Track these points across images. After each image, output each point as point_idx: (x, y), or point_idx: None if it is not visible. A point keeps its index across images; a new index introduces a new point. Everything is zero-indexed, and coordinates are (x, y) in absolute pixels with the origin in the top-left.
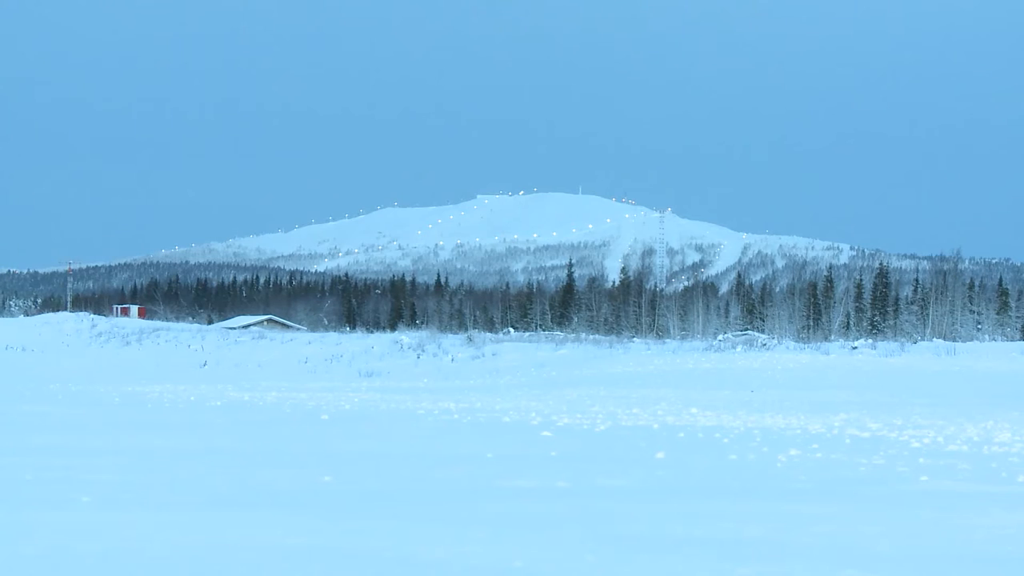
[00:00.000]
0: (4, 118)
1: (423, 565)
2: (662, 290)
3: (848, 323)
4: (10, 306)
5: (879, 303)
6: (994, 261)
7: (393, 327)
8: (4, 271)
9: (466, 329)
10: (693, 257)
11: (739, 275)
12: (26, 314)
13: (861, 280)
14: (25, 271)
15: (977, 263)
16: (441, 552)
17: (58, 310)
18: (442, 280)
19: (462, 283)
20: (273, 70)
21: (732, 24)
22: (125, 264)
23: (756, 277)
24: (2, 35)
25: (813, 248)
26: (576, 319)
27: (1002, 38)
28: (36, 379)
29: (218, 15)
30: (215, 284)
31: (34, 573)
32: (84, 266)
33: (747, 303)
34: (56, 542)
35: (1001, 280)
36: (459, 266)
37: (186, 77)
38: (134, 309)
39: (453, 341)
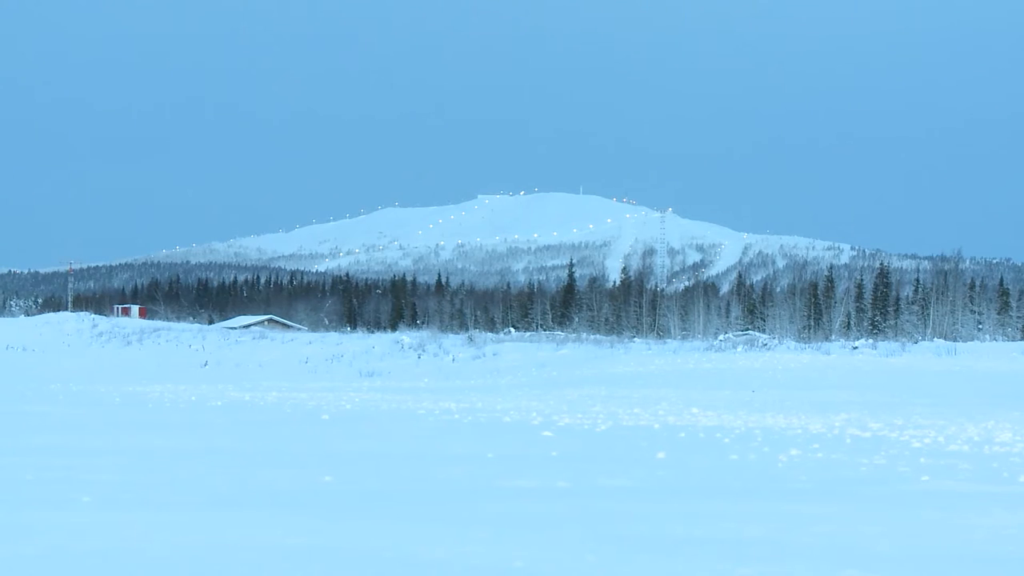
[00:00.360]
0: (5, 118)
1: (424, 565)
2: (663, 290)
3: (849, 323)
4: (11, 306)
5: (880, 303)
6: (995, 261)
7: (394, 327)
8: (5, 271)
9: (467, 329)
10: (694, 257)
11: (740, 275)
12: (27, 314)
13: (862, 280)
14: (26, 271)
15: (978, 263)
16: (442, 552)
17: (59, 310)
18: (443, 280)
19: (463, 283)
20: (274, 70)
21: (732, 24)
22: (126, 264)
23: (757, 277)
24: (2, 35)
25: (814, 248)
26: (577, 319)
27: (1002, 38)
28: (37, 379)
29: (218, 15)
30: (216, 284)
31: (35, 573)
32: (85, 266)
33: (748, 303)
34: (56, 542)
35: (1002, 280)
36: (460, 266)
37: (186, 77)
38: (135, 309)
39: (454, 341)
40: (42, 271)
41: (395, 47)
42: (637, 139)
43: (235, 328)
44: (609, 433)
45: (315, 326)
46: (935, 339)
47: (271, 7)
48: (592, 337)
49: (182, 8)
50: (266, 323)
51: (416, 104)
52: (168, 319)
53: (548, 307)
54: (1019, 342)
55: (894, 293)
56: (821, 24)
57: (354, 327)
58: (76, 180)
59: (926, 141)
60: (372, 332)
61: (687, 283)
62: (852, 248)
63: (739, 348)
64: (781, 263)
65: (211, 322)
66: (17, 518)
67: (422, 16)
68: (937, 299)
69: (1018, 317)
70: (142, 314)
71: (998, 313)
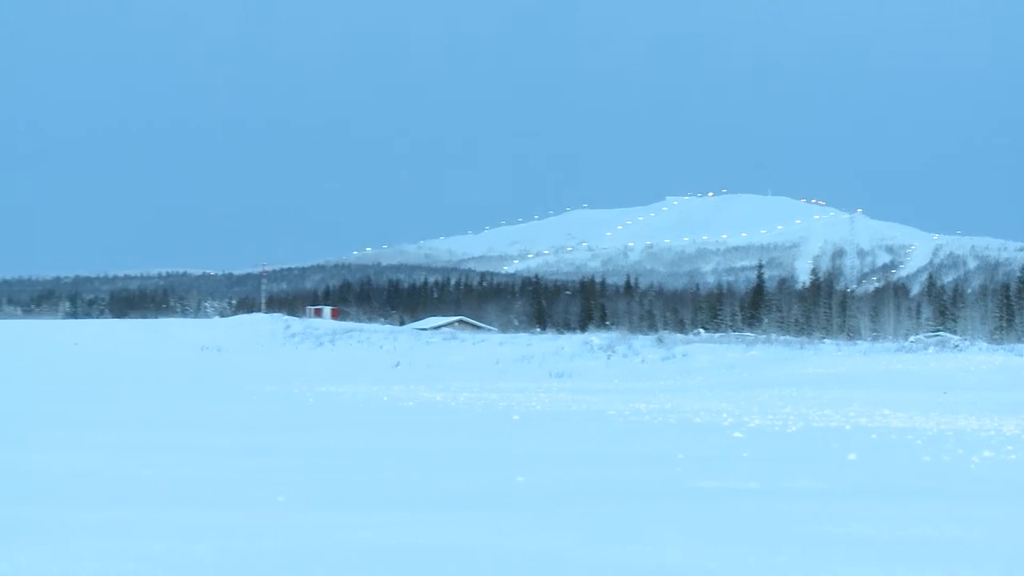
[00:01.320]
0: (224, 125)
1: (614, 566)
2: (852, 291)
3: None
4: (206, 307)
5: None
6: None
7: (583, 328)
8: (199, 273)
9: (656, 330)
10: (883, 258)
11: (930, 276)
12: (221, 315)
13: None
14: (220, 273)
15: None
16: (634, 551)
17: (253, 311)
18: (631, 281)
19: (651, 284)
20: (466, 67)
21: (927, 26)
22: (318, 266)
23: (947, 278)
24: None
25: (1006, 249)
26: (766, 320)
27: None
28: (231, 380)
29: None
30: (407, 285)
31: (229, 570)
32: (278, 268)
33: (939, 304)
34: (250, 543)
35: None
36: (648, 267)
37: (368, 73)
38: (327, 310)
39: (643, 342)
40: (236, 273)
41: (590, 44)
42: (826, 139)
43: (426, 329)
44: (800, 434)
45: (505, 327)
46: None
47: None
48: (781, 338)
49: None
50: (456, 324)
51: (609, 104)
52: (360, 320)
53: (737, 308)
54: None
55: None
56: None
57: (543, 328)
58: (270, 184)
59: None
60: (561, 333)
61: (876, 284)
62: None
63: (930, 349)
64: (972, 264)
65: (402, 323)
66: (215, 517)
67: (627, 15)
68: None
69: None
70: (334, 315)
71: None
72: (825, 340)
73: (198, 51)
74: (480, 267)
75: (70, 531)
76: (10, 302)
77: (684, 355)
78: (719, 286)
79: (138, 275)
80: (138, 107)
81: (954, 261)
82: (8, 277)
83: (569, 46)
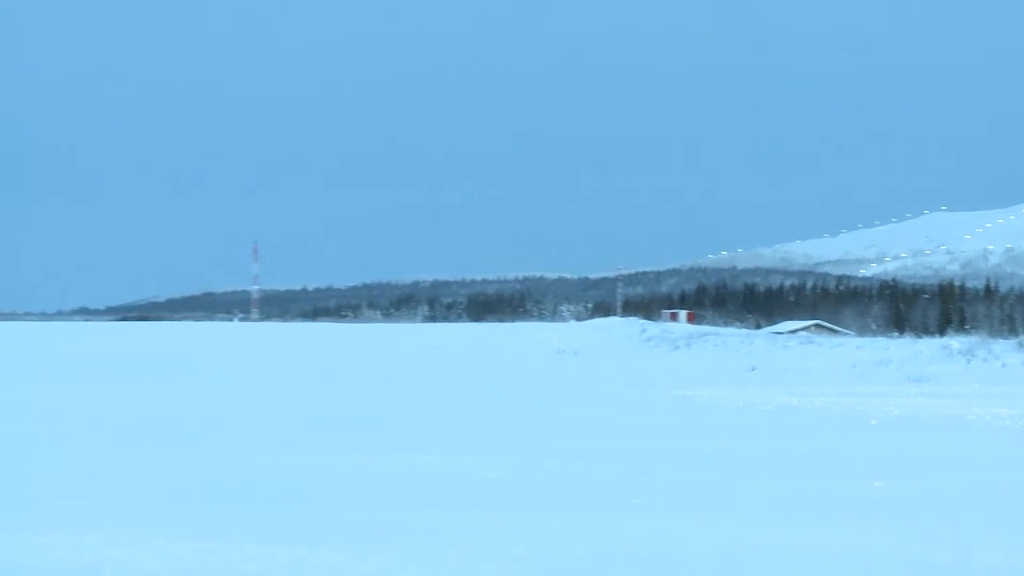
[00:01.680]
0: (584, 133)
1: (981, 570)
2: None
3: None
4: (562, 311)
5: None
6: None
7: (942, 332)
8: (555, 277)
9: (1017, 334)
10: None
11: None
12: (577, 319)
13: None
14: (576, 277)
15: None
16: (997, 558)
17: (608, 315)
18: (992, 285)
19: (1012, 288)
20: (819, 67)
21: None
22: (673, 270)
23: None
24: None
25: None
26: None
27: None
28: (589, 383)
29: None
30: (762, 289)
31: (584, 573)
32: (633, 271)
33: None
34: (605, 545)
35: None
36: (1009, 271)
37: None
38: (682, 314)
39: (1004, 346)
40: (592, 277)
41: (937, 41)
42: None
43: (782, 333)
44: None
45: (862, 331)
46: None
47: None
48: None
49: None
50: (813, 328)
51: (961, 107)
52: (715, 324)
53: None
54: None
55: None
56: None
57: (901, 332)
58: (627, 187)
59: None
60: (920, 337)
61: None
62: None
63: None
64: None
65: (758, 327)
66: (571, 519)
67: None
68: None
69: None
70: (690, 319)
71: None
72: None
73: (576, 64)
74: (836, 270)
75: (435, 531)
76: (370, 306)
77: None
78: None
79: (495, 279)
80: (500, 119)
81: None
82: (368, 281)
83: (924, 44)
